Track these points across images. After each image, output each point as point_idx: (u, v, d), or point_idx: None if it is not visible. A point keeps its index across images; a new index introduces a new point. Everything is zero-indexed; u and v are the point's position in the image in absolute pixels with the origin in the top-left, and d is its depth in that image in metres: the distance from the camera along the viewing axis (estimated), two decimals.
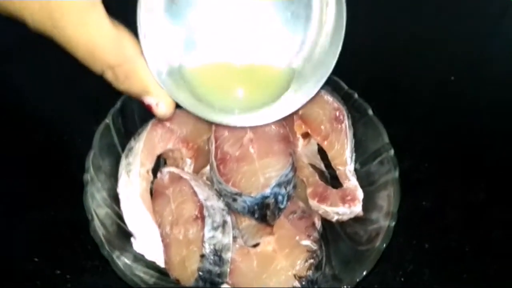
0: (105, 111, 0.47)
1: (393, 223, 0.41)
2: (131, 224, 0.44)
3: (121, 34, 0.32)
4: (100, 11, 0.31)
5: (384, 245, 0.40)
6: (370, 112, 0.47)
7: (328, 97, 0.48)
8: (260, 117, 0.38)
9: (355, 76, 0.56)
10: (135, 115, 0.49)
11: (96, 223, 0.40)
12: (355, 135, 0.48)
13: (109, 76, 0.33)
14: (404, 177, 0.44)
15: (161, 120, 0.47)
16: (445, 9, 0.73)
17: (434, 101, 0.64)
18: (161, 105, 0.36)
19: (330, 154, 0.48)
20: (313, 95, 0.37)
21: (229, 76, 0.39)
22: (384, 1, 0.74)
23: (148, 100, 0.36)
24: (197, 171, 0.50)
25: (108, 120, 0.46)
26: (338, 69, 0.45)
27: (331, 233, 0.48)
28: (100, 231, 0.40)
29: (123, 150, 0.47)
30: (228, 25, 0.37)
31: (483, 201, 0.54)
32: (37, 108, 0.61)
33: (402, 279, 0.49)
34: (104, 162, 0.46)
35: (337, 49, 0.36)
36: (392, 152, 0.44)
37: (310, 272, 0.41)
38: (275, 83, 0.39)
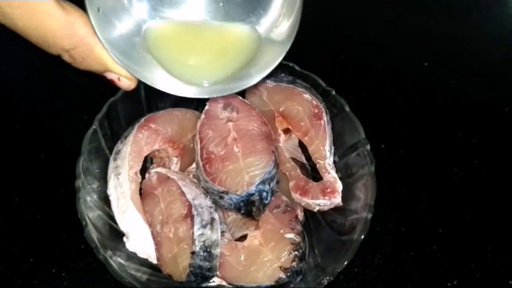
0: (93, 111, 0.49)
1: (370, 216, 0.43)
2: (122, 224, 0.46)
3: (71, 16, 0.32)
4: None
5: (362, 237, 0.43)
6: (347, 108, 0.49)
7: (307, 95, 0.50)
8: (227, 87, 0.39)
9: (334, 68, 0.58)
10: (121, 118, 0.50)
11: (90, 228, 0.42)
12: (333, 129, 0.51)
13: (66, 58, 0.34)
14: (381, 164, 0.47)
15: (148, 122, 0.49)
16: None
17: (408, 88, 0.66)
18: (123, 79, 0.37)
19: (310, 149, 0.50)
20: (274, 66, 0.37)
21: (197, 39, 0.39)
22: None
23: (110, 76, 0.36)
24: (183, 169, 0.52)
25: (95, 125, 0.47)
26: (316, 67, 0.47)
27: (313, 222, 0.51)
28: (94, 235, 0.42)
29: (111, 153, 0.49)
30: None
31: (455, 186, 0.58)
32: (27, 110, 0.62)
33: (380, 261, 0.53)
34: (93, 165, 0.47)
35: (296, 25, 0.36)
36: (368, 147, 0.47)
37: (294, 264, 0.44)
38: (242, 45, 0.39)
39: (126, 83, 0.37)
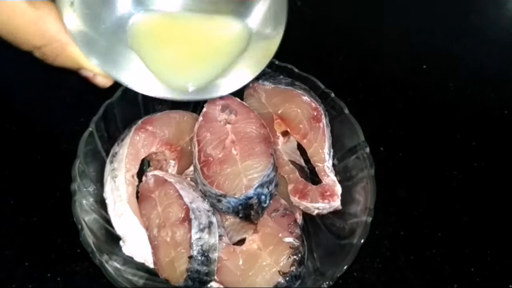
0: (89, 113, 0.48)
1: (370, 219, 0.43)
2: (119, 228, 0.45)
3: (42, 14, 0.31)
4: None
5: (362, 241, 0.42)
6: (346, 111, 0.49)
7: (306, 97, 0.49)
8: (215, 89, 0.37)
9: (332, 71, 0.58)
10: (118, 120, 0.50)
11: (86, 232, 0.41)
12: (332, 132, 0.50)
13: (38, 55, 0.33)
14: (379, 167, 0.47)
15: (143, 125, 0.48)
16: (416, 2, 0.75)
17: (407, 91, 0.66)
18: (98, 77, 0.35)
19: (309, 151, 0.50)
20: (266, 63, 0.36)
21: (183, 38, 0.37)
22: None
23: (84, 73, 0.35)
24: (181, 172, 0.51)
25: (91, 127, 0.46)
26: (314, 69, 0.47)
27: (312, 225, 0.50)
28: (90, 239, 0.41)
29: (107, 155, 0.48)
30: None
31: (454, 188, 0.57)
32: (22, 111, 0.61)
33: (380, 265, 0.52)
34: (89, 168, 0.47)
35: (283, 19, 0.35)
36: (367, 149, 0.47)
37: (293, 268, 0.43)
38: (231, 43, 0.37)
39: (102, 80, 0.36)
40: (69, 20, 0.32)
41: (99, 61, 0.34)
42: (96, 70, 0.35)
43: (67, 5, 0.31)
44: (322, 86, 0.51)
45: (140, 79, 0.36)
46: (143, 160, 0.50)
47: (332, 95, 0.50)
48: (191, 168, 0.51)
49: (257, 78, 0.52)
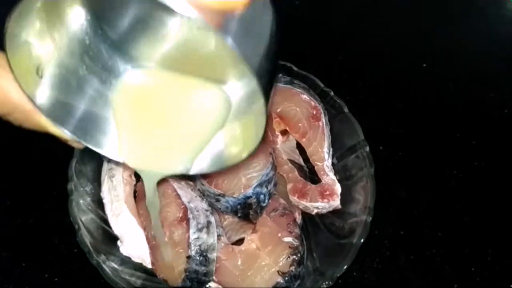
0: None
1: (370, 219, 0.43)
2: (116, 228, 0.45)
3: (3, 82, 0.29)
4: None
5: (362, 240, 0.42)
6: (346, 109, 0.48)
7: (305, 96, 0.49)
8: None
9: (332, 70, 0.58)
10: None
11: (83, 231, 0.41)
12: (331, 131, 0.50)
13: (7, 120, 0.31)
14: (379, 166, 0.46)
15: None
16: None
17: (407, 90, 0.66)
18: (71, 142, 0.34)
19: (308, 150, 0.50)
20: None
21: (159, 117, 0.34)
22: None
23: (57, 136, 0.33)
24: None
25: None
26: (314, 68, 0.46)
27: (311, 225, 0.50)
28: (87, 239, 0.41)
29: None
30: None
31: (454, 188, 0.57)
32: None
33: (379, 265, 0.52)
34: (86, 168, 0.46)
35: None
36: (367, 148, 0.46)
37: (292, 268, 0.43)
38: (211, 123, 0.34)
39: (74, 144, 0.34)
40: (34, 89, 0.30)
41: (68, 128, 0.32)
42: (65, 137, 0.33)
43: (31, 74, 0.29)
44: (322, 85, 0.50)
45: (117, 147, 0.34)
46: None
47: (332, 93, 0.50)
48: None
49: None
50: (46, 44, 0.30)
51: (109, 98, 0.33)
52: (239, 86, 0.33)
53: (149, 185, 0.37)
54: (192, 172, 0.34)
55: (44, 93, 0.30)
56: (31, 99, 0.30)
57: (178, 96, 0.34)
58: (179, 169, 0.34)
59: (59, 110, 0.31)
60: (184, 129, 0.34)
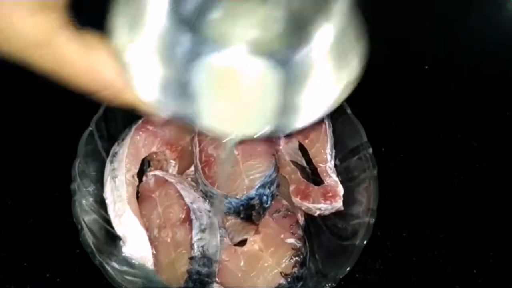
0: (90, 112, 0.47)
1: (373, 220, 0.42)
2: (119, 228, 0.45)
3: (96, 59, 0.28)
4: (62, 37, 0.27)
5: (365, 242, 0.42)
6: (349, 111, 0.48)
7: None
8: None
9: None
10: (118, 120, 0.49)
11: (86, 232, 0.41)
12: (334, 133, 0.50)
13: (96, 98, 0.30)
14: (380, 168, 0.46)
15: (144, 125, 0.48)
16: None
17: (408, 91, 0.66)
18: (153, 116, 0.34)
19: (311, 152, 0.50)
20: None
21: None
22: None
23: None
24: (181, 172, 0.51)
25: (91, 127, 0.46)
26: None
27: (313, 226, 0.50)
28: (90, 239, 0.41)
29: (107, 155, 0.48)
30: None
31: (455, 189, 0.57)
32: (21, 110, 0.61)
33: (382, 267, 0.52)
34: (89, 168, 0.46)
35: None
36: (370, 150, 0.46)
37: (295, 269, 0.43)
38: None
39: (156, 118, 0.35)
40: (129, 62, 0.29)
41: (159, 99, 0.31)
42: (152, 111, 0.32)
43: (125, 44, 0.29)
44: None
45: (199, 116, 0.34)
46: (143, 160, 0.49)
47: None
48: (192, 168, 0.51)
49: None
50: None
51: (197, 69, 0.32)
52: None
53: (227, 147, 0.37)
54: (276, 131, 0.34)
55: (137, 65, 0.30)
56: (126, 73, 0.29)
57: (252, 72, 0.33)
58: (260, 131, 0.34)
59: (151, 82, 0.31)
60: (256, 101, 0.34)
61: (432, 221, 0.55)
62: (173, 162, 0.50)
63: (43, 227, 0.52)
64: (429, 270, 0.52)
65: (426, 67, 0.68)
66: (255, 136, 0.35)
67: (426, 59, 0.68)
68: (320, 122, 0.49)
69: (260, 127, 0.34)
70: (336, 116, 0.50)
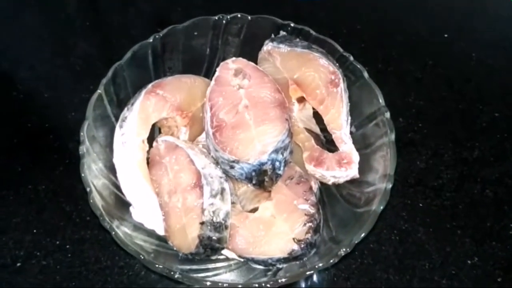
0: (99, 80, 0.46)
1: (390, 186, 0.41)
2: (129, 194, 0.44)
3: None
4: None
5: (381, 207, 0.40)
6: (366, 74, 0.46)
7: (324, 61, 0.47)
8: None
9: (349, 39, 0.55)
10: (127, 83, 0.48)
11: (95, 194, 0.40)
12: (350, 98, 0.48)
13: None
14: (398, 138, 0.45)
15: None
16: None
17: (427, 61, 0.63)
18: None
19: (325, 118, 0.48)
20: None
21: None
22: None
23: None
24: (192, 139, 0.50)
25: (100, 90, 0.45)
26: (333, 32, 0.44)
27: (327, 195, 0.49)
28: (99, 202, 0.40)
29: (117, 120, 0.47)
30: None
31: (474, 160, 0.55)
32: (30, 78, 0.60)
33: (397, 237, 0.50)
34: (99, 132, 0.45)
35: None
36: (388, 114, 0.44)
37: (308, 235, 0.41)
38: None
39: None
40: None
41: None
42: None
43: None
44: (341, 49, 0.49)
45: None
46: (153, 127, 0.48)
47: (351, 58, 0.48)
48: (203, 135, 0.49)
49: (271, 41, 0.50)
50: None
51: None
52: None
53: None
54: None
55: None
56: None
57: None
58: None
59: None
60: None
61: (450, 191, 0.53)
62: (184, 128, 0.49)
63: (53, 195, 0.51)
64: (447, 241, 0.50)
65: (446, 35, 0.65)
66: None
67: (446, 27, 0.66)
68: (335, 87, 0.47)
69: None
70: (352, 81, 0.48)
